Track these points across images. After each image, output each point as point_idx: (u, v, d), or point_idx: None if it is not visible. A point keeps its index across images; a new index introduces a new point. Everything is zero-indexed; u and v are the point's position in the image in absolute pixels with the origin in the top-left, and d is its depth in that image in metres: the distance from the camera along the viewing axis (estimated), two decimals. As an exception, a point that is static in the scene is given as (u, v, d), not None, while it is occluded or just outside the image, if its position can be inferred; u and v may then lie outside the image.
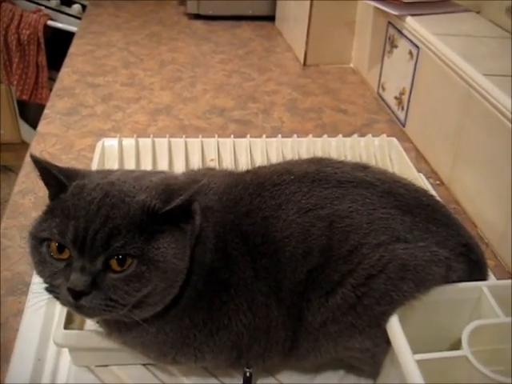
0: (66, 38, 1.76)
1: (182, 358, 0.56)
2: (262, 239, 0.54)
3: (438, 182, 0.98)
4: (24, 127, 2.58)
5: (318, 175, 0.57)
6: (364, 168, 0.61)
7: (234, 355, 0.56)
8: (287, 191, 0.56)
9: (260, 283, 0.54)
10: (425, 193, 0.62)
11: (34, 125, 2.41)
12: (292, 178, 0.57)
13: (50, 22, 2.06)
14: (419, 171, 0.92)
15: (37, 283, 0.50)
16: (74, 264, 0.47)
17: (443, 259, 0.54)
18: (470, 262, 0.57)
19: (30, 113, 2.50)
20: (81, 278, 0.46)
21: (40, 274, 0.50)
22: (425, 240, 0.55)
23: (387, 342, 0.52)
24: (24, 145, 2.51)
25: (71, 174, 0.52)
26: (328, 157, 0.66)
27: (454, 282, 0.55)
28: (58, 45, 1.96)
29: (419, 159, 1.05)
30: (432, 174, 1.00)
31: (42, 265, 0.49)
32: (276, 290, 0.54)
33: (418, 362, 0.47)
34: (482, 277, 0.59)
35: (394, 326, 0.51)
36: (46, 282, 0.49)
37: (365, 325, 0.53)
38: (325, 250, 0.53)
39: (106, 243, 0.47)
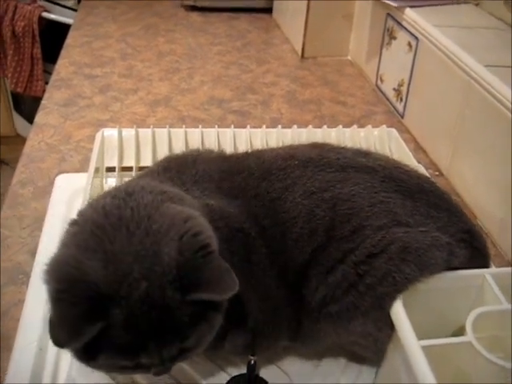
0: (61, 30, 1.74)
1: None
2: (271, 221, 0.55)
3: (436, 173, 0.98)
4: (18, 120, 2.56)
5: (322, 160, 0.59)
6: (365, 154, 0.62)
7: (249, 341, 0.56)
8: (293, 175, 0.57)
9: (272, 267, 0.54)
10: (427, 179, 0.62)
11: (28, 118, 2.39)
12: (296, 162, 0.58)
13: (44, 14, 2.04)
14: (418, 162, 0.92)
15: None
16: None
17: (445, 244, 0.54)
18: (472, 248, 0.57)
19: (25, 106, 2.48)
20: (163, 367, 0.48)
21: None
22: (426, 225, 0.55)
23: (390, 328, 0.53)
24: (19, 138, 2.49)
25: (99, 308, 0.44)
26: (329, 142, 0.68)
27: (456, 268, 0.55)
28: (52, 37, 1.95)
29: (418, 150, 1.05)
30: (431, 165, 1.00)
31: None
32: (283, 272, 0.55)
33: (423, 347, 0.48)
34: (484, 265, 0.59)
35: (399, 312, 0.51)
36: None
37: (367, 305, 0.53)
38: (328, 229, 0.54)
39: (176, 356, 0.47)
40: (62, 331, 0.42)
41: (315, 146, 0.64)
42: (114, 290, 0.43)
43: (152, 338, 0.44)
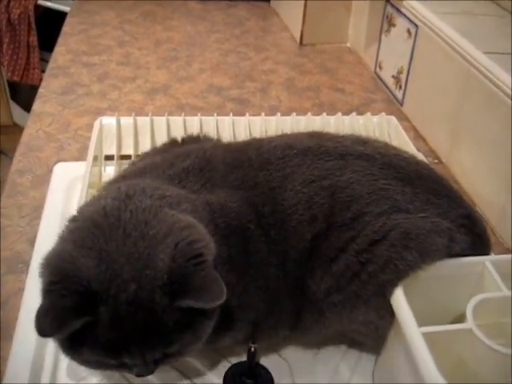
0: (57, 17, 1.73)
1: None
2: (271, 209, 0.55)
3: (436, 161, 0.98)
4: (15, 109, 2.55)
5: (320, 149, 0.59)
6: (364, 142, 0.62)
7: (250, 332, 0.56)
8: (291, 164, 0.57)
9: (271, 256, 0.54)
10: (426, 166, 0.63)
11: (25, 107, 2.38)
12: (295, 152, 0.58)
13: (40, 1, 2.03)
14: (418, 150, 0.92)
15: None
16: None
17: (445, 229, 0.54)
18: (473, 234, 0.57)
19: (22, 94, 2.47)
20: (146, 369, 0.49)
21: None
22: (426, 211, 0.55)
23: (391, 315, 0.53)
24: (16, 127, 2.48)
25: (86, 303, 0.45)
26: (327, 131, 0.68)
27: (457, 254, 0.55)
28: (48, 25, 1.93)
29: (417, 138, 1.04)
30: (430, 153, 1.00)
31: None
32: (282, 260, 0.55)
33: (424, 334, 0.48)
34: (485, 251, 0.59)
35: (399, 299, 0.52)
36: None
37: (369, 294, 0.54)
38: (328, 216, 0.54)
39: (159, 360, 0.48)
40: (48, 321, 0.43)
41: (313, 135, 0.64)
42: (103, 288, 0.44)
43: (135, 339, 0.45)
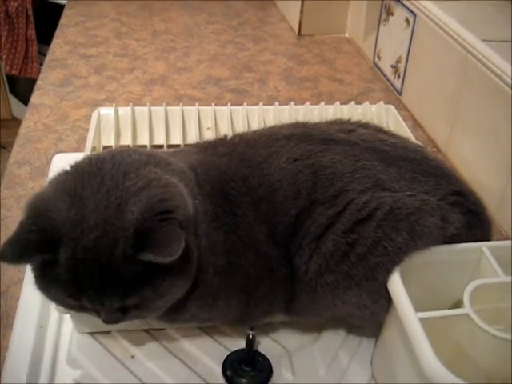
0: (54, 10, 1.72)
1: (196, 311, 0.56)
2: (259, 182, 0.56)
3: (434, 150, 0.98)
4: (14, 103, 2.55)
5: (304, 135, 0.61)
6: (349, 131, 0.63)
7: (243, 300, 0.56)
8: (276, 144, 0.59)
9: (261, 225, 0.55)
10: (414, 149, 0.62)
11: (24, 101, 2.37)
12: (280, 136, 0.61)
13: (38, -6, 2.02)
14: (416, 139, 0.92)
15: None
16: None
17: (436, 207, 0.54)
18: (469, 213, 0.57)
19: (20, 88, 2.47)
20: (112, 316, 0.50)
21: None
22: (412, 190, 0.56)
23: (386, 300, 0.53)
24: (15, 121, 2.48)
25: (50, 243, 0.47)
26: (314, 122, 0.69)
27: (453, 235, 0.55)
28: (46, 17, 1.92)
29: (416, 127, 1.04)
30: (429, 142, 1.00)
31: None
32: (272, 233, 0.56)
33: (421, 320, 0.48)
34: (484, 230, 0.59)
35: (396, 284, 0.52)
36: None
37: (360, 276, 0.54)
38: (311, 193, 0.55)
39: (120, 308, 0.50)
40: (10, 249, 0.46)
41: (298, 125, 0.66)
42: (67, 231, 0.47)
43: (92, 285, 0.47)
